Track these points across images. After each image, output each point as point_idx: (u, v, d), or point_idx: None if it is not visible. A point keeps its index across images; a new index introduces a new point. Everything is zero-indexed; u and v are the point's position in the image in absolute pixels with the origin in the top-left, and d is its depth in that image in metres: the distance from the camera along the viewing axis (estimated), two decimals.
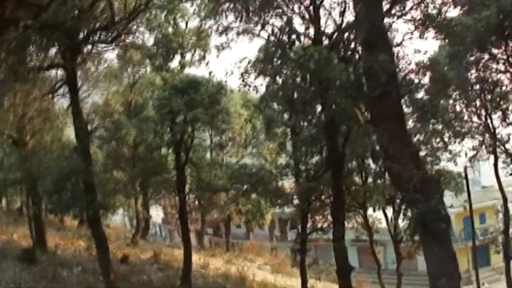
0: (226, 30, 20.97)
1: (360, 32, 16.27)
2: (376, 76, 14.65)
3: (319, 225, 27.23)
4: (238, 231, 60.26)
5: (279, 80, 19.50)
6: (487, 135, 24.62)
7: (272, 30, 18.90)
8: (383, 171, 24.93)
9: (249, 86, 20.09)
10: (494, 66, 20.92)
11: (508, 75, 20.86)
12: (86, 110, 31.03)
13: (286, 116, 23.96)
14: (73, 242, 33.32)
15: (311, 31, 19.88)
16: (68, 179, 19.80)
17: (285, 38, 18.60)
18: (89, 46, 24.70)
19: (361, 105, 17.00)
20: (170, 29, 31.42)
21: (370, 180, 28.04)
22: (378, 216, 32.66)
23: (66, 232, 37.72)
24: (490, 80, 21.97)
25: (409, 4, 17.93)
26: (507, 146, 23.89)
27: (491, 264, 47.05)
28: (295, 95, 20.04)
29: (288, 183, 28.10)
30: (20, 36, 20.39)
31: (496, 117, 23.96)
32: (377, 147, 20.73)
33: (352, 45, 18.84)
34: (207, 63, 36.76)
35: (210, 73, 27.33)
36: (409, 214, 16.15)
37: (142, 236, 42.41)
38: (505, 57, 20.04)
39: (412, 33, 18.02)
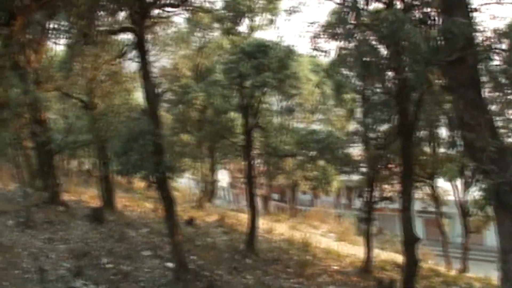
0: None
1: None
2: (453, 40, 14.00)
3: (386, 195, 26.74)
4: (303, 198, 60.21)
5: (350, 44, 18.95)
6: None
7: None
8: (456, 140, 24.14)
9: (319, 50, 19.58)
10: None
11: None
12: (154, 74, 31.16)
13: (356, 81, 23.44)
14: (140, 203, 33.87)
15: None
16: (136, 141, 19.81)
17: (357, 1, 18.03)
18: (158, 10, 24.67)
19: (436, 71, 16.30)
20: None
21: (440, 150, 27.32)
22: (446, 188, 31.90)
23: (134, 194, 38.41)
24: None
25: None
26: None
27: None
28: (366, 60, 19.39)
29: (356, 151, 27.67)
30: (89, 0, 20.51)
31: None
32: (452, 115, 19.95)
33: (428, 9, 18.04)
34: (276, 27, 36.35)
35: (279, 37, 26.91)
36: (482, 185, 15.49)
37: (209, 200, 42.76)
38: None
39: None
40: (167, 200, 21.25)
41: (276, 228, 34.54)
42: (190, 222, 30.39)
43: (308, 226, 39.50)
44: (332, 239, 35.89)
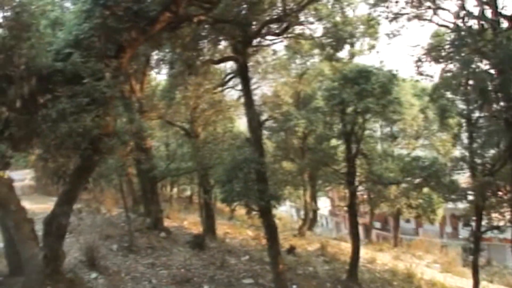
0: (396, 16, 20.24)
1: None
2: None
3: (495, 223, 25.52)
4: (407, 226, 58.68)
5: (454, 67, 18.41)
6: None
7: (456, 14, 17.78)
8: None
9: (423, 74, 19.16)
10: None
11: None
12: (256, 102, 31.46)
13: (461, 105, 22.68)
14: (241, 231, 34.03)
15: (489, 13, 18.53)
16: (241, 169, 19.99)
17: (460, 22, 17.52)
18: (260, 38, 24.97)
19: None
20: (338, 18, 30.93)
21: None
22: None
23: (235, 221, 38.67)
24: None
25: None
26: None
27: None
28: (477, 84, 18.73)
29: (462, 177, 26.68)
30: (193, 32, 21.06)
31: None
32: None
33: None
34: (377, 52, 35.89)
35: (380, 62, 26.55)
36: None
37: (309, 228, 42.41)
38: None
39: None
40: (270, 228, 21.22)
41: (379, 258, 33.82)
42: (292, 250, 30.22)
43: (411, 256, 38.42)
44: (437, 270, 34.68)
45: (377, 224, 60.33)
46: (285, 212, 51.21)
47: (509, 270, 23.87)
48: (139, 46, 17.59)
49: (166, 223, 29.57)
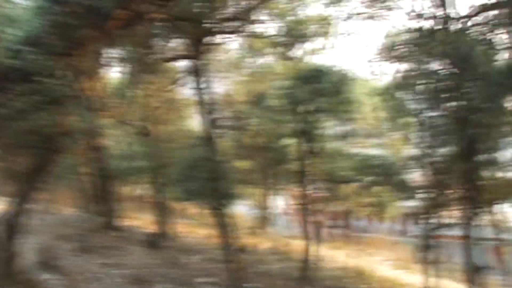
0: (350, 16, 20.47)
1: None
2: None
3: (445, 221, 26.02)
4: (358, 224, 59.28)
5: (407, 67, 18.72)
6: None
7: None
8: None
9: (375, 74, 19.42)
10: None
11: None
12: (209, 100, 31.34)
13: (413, 105, 23.05)
14: (195, 230, 33.90)
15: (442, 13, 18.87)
16: (195, 168, 19.98)
17: (412, 23, 17.83)
18: (214, 36, 24.91)
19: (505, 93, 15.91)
20: (293, 18, 31.06)
21: (506, 174, 26.48)
22: (509, 214, 30.95)
23: (189, 220, 38.48)
24: None
25: None
26: None
27: None
28: (427, 83, 19.09)
29: (413, 176, 27.09)
30: (147, 29, 20.89)
31: None
32: None
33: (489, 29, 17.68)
34: (331, 51, 36.16)
35: (334, 61, 26.83)
36: None
37: (263, 226, 42.51)
38: None
39: None
40: (224, 227, 21.21)
41: (331, 255, 34.04)
42: (244, 249, 30.21)
43: (363, 254, 38.81)
44: (388, 267, 35.13)
45: (330, 222, 60.77)
46: (240, 211, 51.10)
47: (459, 266, 24.47)
48: (93, 43, 17.36)
49: (120, 222, 29.29)
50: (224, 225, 21.42)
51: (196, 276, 23.43)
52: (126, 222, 31.08)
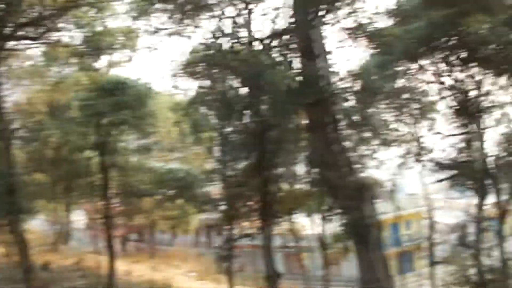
0: (157, 31, 20.64)
1: (297, 38, 16.22)
2: (314, 83, 14.60)
3: (246, 232, 26.92)
4: (163, 237, 59.34)
5: (209, 83, 19.24)
6: (413, 143, 25.22)
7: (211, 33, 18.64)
8: (315, 177, 24.91)
9: (179, 88, 19.76)
10: (422, 76, 21.24)
11: (435, 85, 21.18)
12: (7, 109, 29.85)
13: (214, 120, 23.67)
14: None
15: (244, 35, 19.67)
16: None
17: (217, 41, 18.39)
18: (14, 42, 23.89)
19: (296, 111, 16.92)
20: (99, 28, 30.59)
21: (299, 186, 27.98)
22: (303, 223, 32.73)
23: None
24: (417, 90, 22.36)
25: (341, 13, 18.03)
26: (432, 154, 24.44)
27: (416, 270, 47.88)
28: (225, 99, 19.76)
29: (215, 189, 27.73)
30: None
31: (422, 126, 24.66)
32: (311, 154, 20.65)
33: (285, 51, 18.71)
34: (136, 64, 36.04)
35: (138, 75, 26.88)
36: (341, 221, 16.17)
37: (64, 242, 41.21)
38: (432, 68, 20.33)
39: (343, 41, 18.14)
40: (20, 243, 20.32)
41: (136, 270, 33.88)
42: (46, 266, 29.15)
43: (168, 266, 38.99)
44: (193, 278, 35.62)
45: (133, 236, 60.22)
46: (39, 226, 48.96)
47: (260, 274, 25.54)
48: None
49: None
50: (21, 242, 20.52)
51: None
52: None
